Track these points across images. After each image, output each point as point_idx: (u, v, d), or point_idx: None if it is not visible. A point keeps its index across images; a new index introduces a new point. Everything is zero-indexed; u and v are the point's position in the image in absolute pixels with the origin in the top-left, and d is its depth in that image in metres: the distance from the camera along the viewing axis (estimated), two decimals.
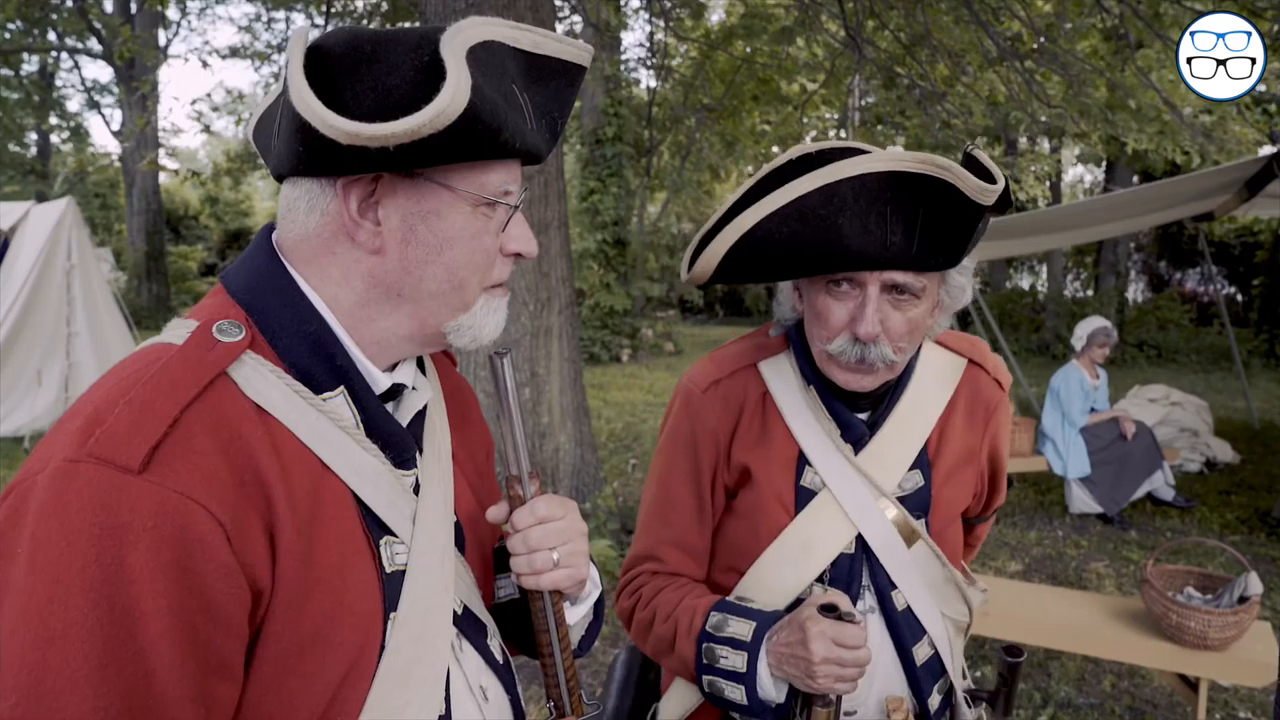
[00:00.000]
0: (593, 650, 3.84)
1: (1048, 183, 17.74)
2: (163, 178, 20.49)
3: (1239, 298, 20.53)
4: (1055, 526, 6.56)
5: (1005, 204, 1.26)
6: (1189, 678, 3.42)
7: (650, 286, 18.96)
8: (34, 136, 24.05)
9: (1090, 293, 20.12)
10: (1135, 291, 22.03)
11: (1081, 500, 6.57)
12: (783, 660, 1.29)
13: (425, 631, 0.96)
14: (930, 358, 1.52)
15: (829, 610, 1.29)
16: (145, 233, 19.34)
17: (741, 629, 1.35)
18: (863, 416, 1.46)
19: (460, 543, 1.11)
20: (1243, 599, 3.29)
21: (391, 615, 0.94)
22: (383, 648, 0.92)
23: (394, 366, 1.04)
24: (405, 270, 0.94)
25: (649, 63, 15.58)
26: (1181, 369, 15.65)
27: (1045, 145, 18.25)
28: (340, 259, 0.95)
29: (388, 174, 0.90)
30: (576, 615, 1.19)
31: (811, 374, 1.45)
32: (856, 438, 1.44)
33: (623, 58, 16.54)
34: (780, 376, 1.49)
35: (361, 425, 0.96)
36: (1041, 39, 7.01)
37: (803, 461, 1.44)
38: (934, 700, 1.47)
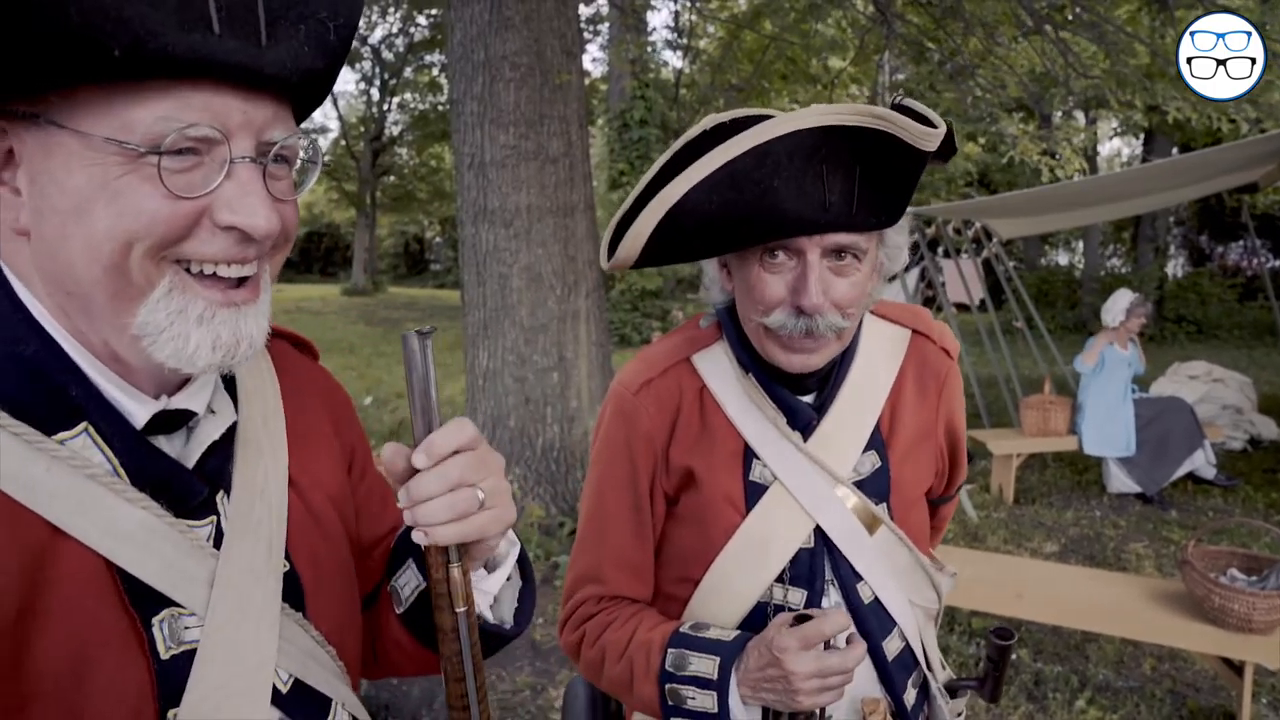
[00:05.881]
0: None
1: (1083, 155, 17.41)
2: None
3: None
4: (1093, 506, 6.45)
5: (950, 150, 1.18)
6: (1233, 661, 3.35)
7: (681, 267, 18.93)
8: None
9: (1129, 268, 19.74)
10: (1175, 266, 21.57)
11: (1120, 480, 6.45)
12: (758, 688, 1.22)
13: None
14: (873, 330, 1.42)
15: (802, 621, 1.21)
16: None
17: (705, 666, 1.26)
18: (807, 400, 1.36)
19: (298, 596, 0.88)
20: None
21: (171, 713, 0.74)
22: None
23: (184, 384, 0.81)
24: (51, 254, 0.70)
25: (676, 44, 15.47)
26: (1223, 345, 15.31)
27: (1081, 119, 17.88)
28: (22, 250, 0.72)
29: (9, 122, 0.68)
30: (498, 582, 0.96)
31: (749, 360, 1.35)
32: (804, 423, 1.34)
33: (649, 39, 16.43)
34: (716, 367, 1.38)
35: (123, 470, 0.75)
36: (1078, 8, 6.82)
37: (749, 455, 1.34)
38: (910, 696, 1.38)
